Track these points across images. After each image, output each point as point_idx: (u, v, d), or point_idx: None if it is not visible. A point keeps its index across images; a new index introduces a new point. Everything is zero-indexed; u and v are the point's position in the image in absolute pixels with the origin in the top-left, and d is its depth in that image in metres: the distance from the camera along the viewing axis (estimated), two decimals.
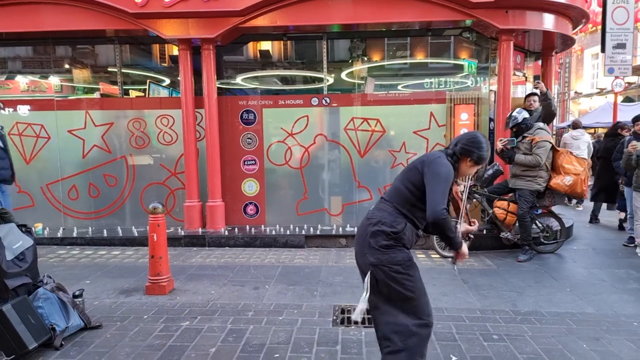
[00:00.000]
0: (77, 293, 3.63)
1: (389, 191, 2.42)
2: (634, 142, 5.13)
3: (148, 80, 7.16)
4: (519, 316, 3.74)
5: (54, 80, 7.69)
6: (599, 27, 9.65)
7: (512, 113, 5.37)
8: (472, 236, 2.64)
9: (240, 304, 4.04)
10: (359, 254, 2.37)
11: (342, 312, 3.84)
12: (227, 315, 3.79)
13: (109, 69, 7.35)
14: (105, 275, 4.93)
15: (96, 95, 7.40)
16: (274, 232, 6.26)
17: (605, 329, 3.48)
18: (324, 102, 6.46)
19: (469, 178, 2.42)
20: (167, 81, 8.06)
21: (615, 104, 11.61)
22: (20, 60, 7.90)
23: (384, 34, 7.04)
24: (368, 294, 2.24)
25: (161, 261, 4.30)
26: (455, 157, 2.32)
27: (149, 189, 6.73)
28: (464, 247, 2.31)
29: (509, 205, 5.53)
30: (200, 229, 6.37)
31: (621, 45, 8.39)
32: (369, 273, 2.26)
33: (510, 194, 5.58)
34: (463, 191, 2.42)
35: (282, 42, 7.86)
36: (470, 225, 2.56)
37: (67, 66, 7.67)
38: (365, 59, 7.64)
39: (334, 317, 3.72)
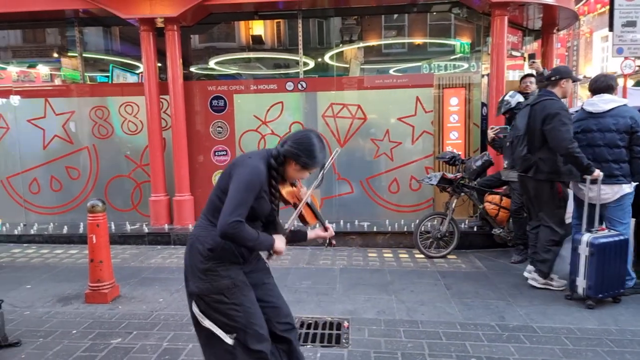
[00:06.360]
0: None
1: (206, 203, 2.03)
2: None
3: (111, 65, 6.62)
4: (505, 332, 3.21)
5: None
6: (608, 7, 8.89)
7: (504, 97, 4.76)
8: (334, 242, 2.16)
9: (187, 316, 3.50)
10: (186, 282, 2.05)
11: (302, 325, 3.33)
12: (168, 330, 3.30)
13: (69, 54, 6.82)
14: (51, 279, 4.47)
15: (57, 82, 6.90)
16: None
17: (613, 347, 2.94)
18: (299, 86, 5.88)
19: (319, 181, 2.06)
20: (141, 68, 7.51)
21: (624, 88, 10.69)
22: None
23: (365, 11, 6.41)
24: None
25: (102, 266, 3.81)
26: (279, 159, 1.92)
27: (113, 182, 6.24)
28: (278, 243, 1.93)
29: (501, 199, 4.97)
30: (166, 225, 5.87)
31: (631, 23, 7.66)
32: (192, 304, 1.97)
33: (504, 187, 5.02)
34: (306, 193, 2.05)
35: (259, 24, 7.26)
36: (325, 230, 2.14)
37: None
38: (347, 40, 7.01)
39: None
